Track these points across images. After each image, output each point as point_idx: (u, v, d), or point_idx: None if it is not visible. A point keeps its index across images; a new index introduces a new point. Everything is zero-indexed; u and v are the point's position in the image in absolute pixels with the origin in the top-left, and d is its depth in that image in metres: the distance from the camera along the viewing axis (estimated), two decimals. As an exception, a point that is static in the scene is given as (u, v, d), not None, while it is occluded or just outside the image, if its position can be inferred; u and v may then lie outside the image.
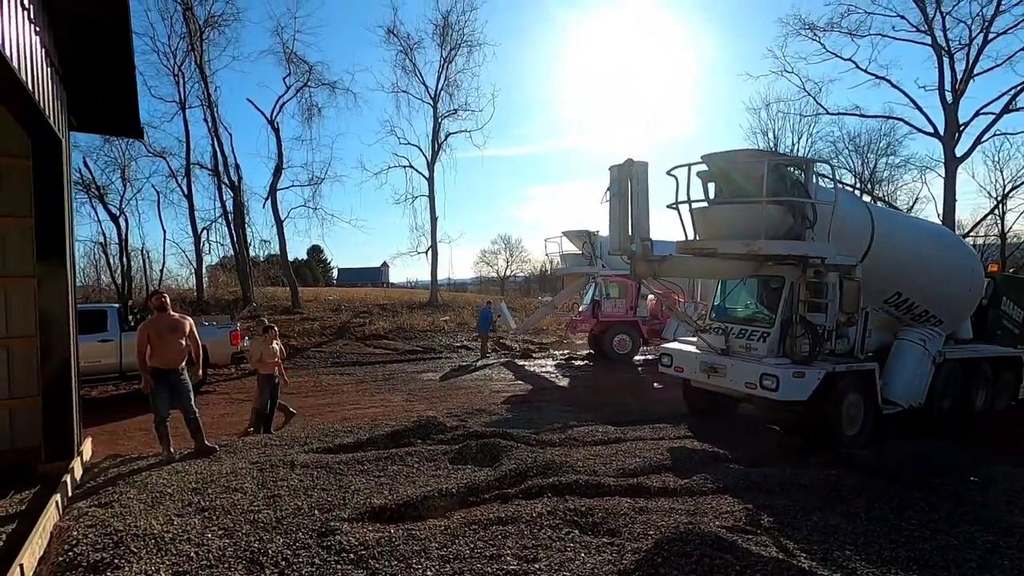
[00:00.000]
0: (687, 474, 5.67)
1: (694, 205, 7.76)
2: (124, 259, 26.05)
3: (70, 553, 3.83)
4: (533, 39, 77.88)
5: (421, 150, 28.90)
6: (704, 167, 7.77)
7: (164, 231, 47.26)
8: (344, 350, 17.38)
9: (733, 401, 8.35)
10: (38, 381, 5.70)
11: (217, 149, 23.92)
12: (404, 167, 29.22)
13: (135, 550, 3.79)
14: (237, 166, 24.67)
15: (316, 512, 4.46)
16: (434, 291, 28.47)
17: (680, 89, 68.10)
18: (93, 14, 5.41)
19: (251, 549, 3.84)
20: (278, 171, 25.25)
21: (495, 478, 5.25)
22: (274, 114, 25.47)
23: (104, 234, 26.09)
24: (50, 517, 4.39)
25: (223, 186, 24.37)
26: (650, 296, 16.21)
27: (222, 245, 29.87)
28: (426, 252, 28.96)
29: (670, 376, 8.70)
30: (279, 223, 25.05)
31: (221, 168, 24.07)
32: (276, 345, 7.82)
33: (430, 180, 28.42)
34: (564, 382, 12.85)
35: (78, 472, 5.62)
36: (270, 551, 3.81)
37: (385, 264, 58.02)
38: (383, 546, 3.87)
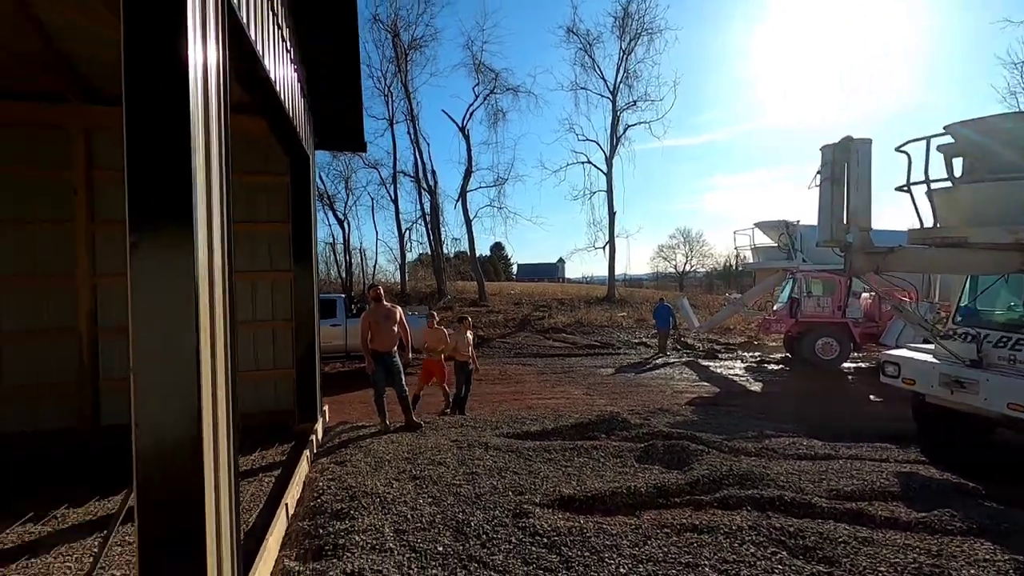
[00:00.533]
0: (924, 506, 4.77)
1: (934, 186, 6.48)
2: (347, 257, 30.69)
3: (318, 500, 4.63)
4: (717, 19, 72.50)
5: (599, 145, 28.89)
6: (948, 139, 6.44)
7: (376, 232, 54.60)
8: (525, 342, 18.20)
9: (985, 424, 6.81)
10: (293, 356, 6.99)
11: (417, 158, 26.80)
12: (582, 163, 29.53)
13: (365, 505, 4.42)
14: (433, 172, 27.37)
15: (510, 493, 4.73)
16: (611, 286, 28.27)
17: (894, 57, 57.40)
18: (333, 52, 6.41)
19: (456, 519, 4.22)
20: (468, 174, 27.38)
21: (686, 482, 5.01)
22: (465, 121, 27.66)
23: (333, 236, 31.02)
24: (302, 468, 5.35)
25: (422, 190, 27.24)
26: (864, 294, 14.03)
27: (420, 243, 33.43)
28: (603, 247, 28.91)
29: (894, 389, 7.42)
30: (468, 222, 27.18)
31: (420, 175, 26.92)
32: (469, 335, 8.49)
33: (608, 174, 28.24)
34: (756, 387, 11.78)
35: (320, 433, 6.76)
36: (472, 523, 4.14)
37: (561, 260, 59.31)
38: (574, 535, 3.95)
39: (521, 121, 70.32)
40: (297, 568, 3.55)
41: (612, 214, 28.15)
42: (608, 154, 28.15)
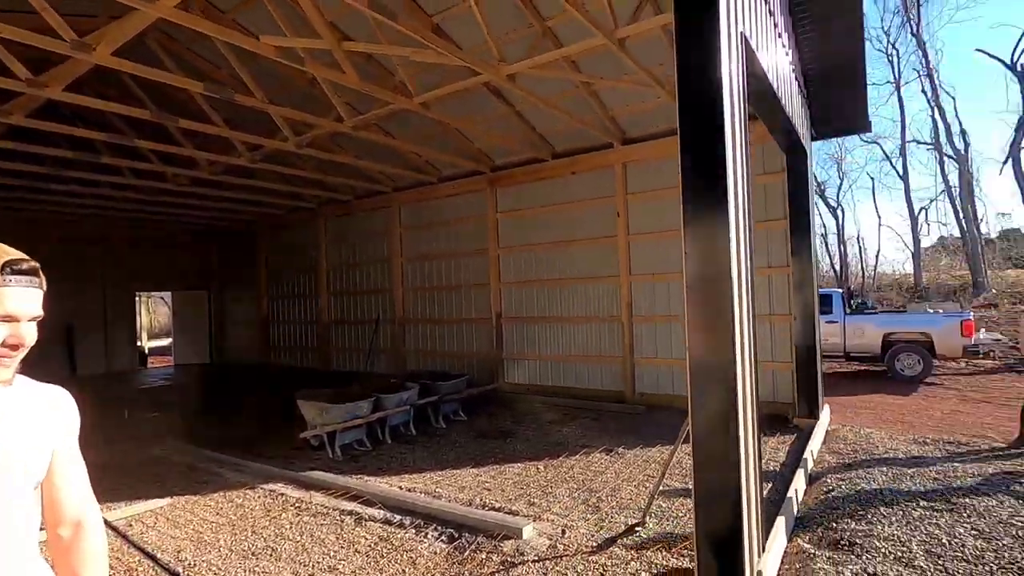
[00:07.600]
0: None
1: None
2: (841, 248, 27.65)
3: (828, 496, 4.58)
4: None
5: None
6: None
7: (879, 217, 46.40)
8: None
9: None
10: (791, 349, 7.03)
11: (937, 119, 21.59)
12: None
13: (884, 515, 4.10)
14: (963, 132, 21.43)
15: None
16: None
17: None
18: (832, 36, 6.12)
19: (1017, 562, 3.38)
20: (1022, 126, 20.11)
21: None
22: (1016, 57, 20.44)
23: (824, 226, 28.55)
24: (807, 461, 5.35)
25: (944, 159, 21.75)
26: None
27: (944, 224, 26.81)
28: None
29: None
30: (1024, 190, 19.95)
31: (943, 139, 21.55)
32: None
33: None
34: None
35: (820, 430, 6.54)
36: (1048, 578, 3.21)
37: None
38: None
39: None
40: (812, 550, 3.68)
41: None
42: None
